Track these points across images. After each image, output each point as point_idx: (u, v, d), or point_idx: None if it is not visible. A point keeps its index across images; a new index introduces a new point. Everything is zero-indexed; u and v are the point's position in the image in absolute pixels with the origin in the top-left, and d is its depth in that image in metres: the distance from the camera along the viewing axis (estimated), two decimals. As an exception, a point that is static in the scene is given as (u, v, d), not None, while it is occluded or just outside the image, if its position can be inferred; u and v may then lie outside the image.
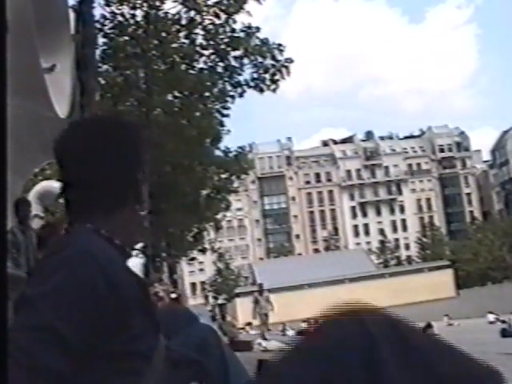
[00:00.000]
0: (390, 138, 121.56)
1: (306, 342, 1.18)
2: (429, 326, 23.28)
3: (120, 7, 12.90)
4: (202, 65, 13.91)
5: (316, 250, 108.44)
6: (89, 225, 1.39)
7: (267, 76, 13.35)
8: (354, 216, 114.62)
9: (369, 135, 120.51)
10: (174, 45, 13.72)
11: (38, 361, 1.16)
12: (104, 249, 1.35)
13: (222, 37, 13.25)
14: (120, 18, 12.96)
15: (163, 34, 13.36)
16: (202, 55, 13.67)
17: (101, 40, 12.36)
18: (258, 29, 13.36)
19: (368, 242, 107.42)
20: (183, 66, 14.07)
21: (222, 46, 13.32)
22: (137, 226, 1.48)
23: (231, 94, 14.25)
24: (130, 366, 1.31)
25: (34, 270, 1.39)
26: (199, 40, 13.47)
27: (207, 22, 13.13)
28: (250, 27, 13.26)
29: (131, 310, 1.31)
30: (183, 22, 13.25)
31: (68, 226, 1.44)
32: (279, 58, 13.35)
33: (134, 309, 1.32)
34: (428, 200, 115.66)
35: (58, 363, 1.18)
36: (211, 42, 13.32)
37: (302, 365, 1.09)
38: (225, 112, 15.78)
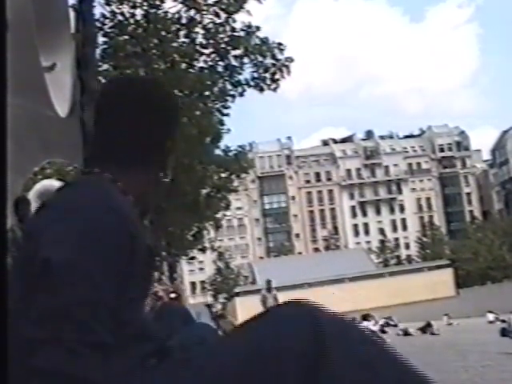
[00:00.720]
0: (390, 137, 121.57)
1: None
2: (428, 325, 23.29)
3: (120, 6, 12.88)
4: (202, 64, 13.90)
5: (316, 250, 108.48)
6: (107, 174, 1.41)
7: (267, 75, 13.34)
8: (354, 215, 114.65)
9: (369, 134, 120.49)
10: (174, 44, 13.71)
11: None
12: (118, 199, 1.36)
13: (222, 36, 13.23)
14: (120, 17, 12.94)
15: (163, 33, 13.33)
16: (202, 54, 13.66)
17: (101, 39, 12.35)
18: (258, 28, 13.35)
19: (368, 242, 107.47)
20: (183, 65, 14.06)
21: (222, 45, 13.30)
22: (153, 190, 1.51)
23: (231, 93, 14.24)
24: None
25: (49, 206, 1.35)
26: (199, 39, 13.45)
27: (207, 21, 13.11)
28: (250, 26, 13.24)
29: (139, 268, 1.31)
30: (183, 21, 13.23)
31: (87, 170, 1.46)
32: (279, 57, 13.34)
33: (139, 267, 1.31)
34: (428, 199, 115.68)
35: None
36: (211, 41, 13.31)
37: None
38: (225, 111, 15.78)
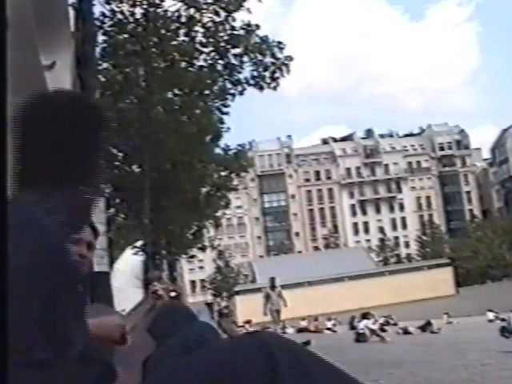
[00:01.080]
0: (390, 135, 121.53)
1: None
2: (428, 323, 23.32)
3: (120, 5, 12.88)
4: (201, 62, 13.89)
5: (316, 248, 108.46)
6: (30, 197, 1.34)
7: (267, 74, 13.34)
8: (354, 214, 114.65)
9: (369, 133, 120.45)
10: (174, 42, 13.70)
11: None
12: (40, 221, 1.28)
13: (221, 34, 13.23)
14: (120, 16, 12.94)
15: (163, 32, 13.33)
16: (201, 53, 13.65)
17: (100, 38, 12.34)
18: (257, 26, 13.34)
19: (368, 240, 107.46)
20: (183, 64, 14.06)
21: (222, 44, 13.30)
22: (79, 207, 1.41)
23: (231, 91, 14.24)
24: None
25: None
26: (199, 38, 13.45)
27: (207, 19, 13.11)
28: (249, 25, 13.23)
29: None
30: (183, 19, 13.22)
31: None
32: (279, 55, 13.33)
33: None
34: (428, 198, 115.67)
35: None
36: (211, 40, 13.30)
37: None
38: (225, 110, 15.78)
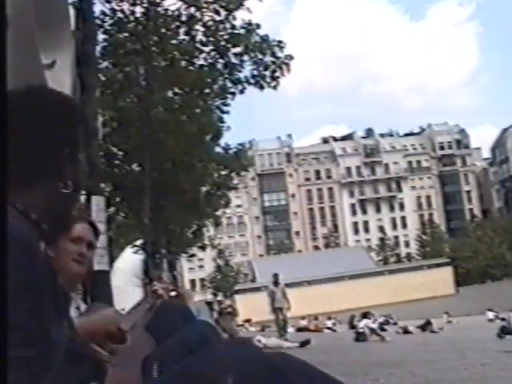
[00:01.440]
0: (390, 135, 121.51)
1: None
2: (428, 323, 23.33)
3: (120, 4, 12.87)
4: (202, 61, 13.88)
5: (316, 247, 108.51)
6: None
7: (267, 73, 13.32)
8: (354, 213, 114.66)
9: (369, 132, 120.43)
10: (174, 41, 13.70)
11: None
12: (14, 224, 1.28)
13: (222, 33, 13.21)
14: (120, 15, 12.93)
15: (163, 31, 13.32)
16: (202, 52, 13.64)
17: (101, 36, 12.33)
18: (258, 26, 13.32)
19: (368, 239, 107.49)
20: (183, 63, 14.05)
21: (222, 43, 13.28)
22: (55, 203, 1.37)
23: (231, 90, 14.22)
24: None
25: None
26: (199, 37, 13.43)
27: (207, 18, 13.09)
28: (250, 24, 13.22)
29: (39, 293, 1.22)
30: (183, 18, 13.21)
31: None
32: (279, 55, 13.32)
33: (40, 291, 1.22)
34: (428, 197, 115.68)
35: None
36: (211, 39, 13.28)
37: None
38: (225, 109, 15.79)
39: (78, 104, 1.49)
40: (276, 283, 16.90)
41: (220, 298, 79.92)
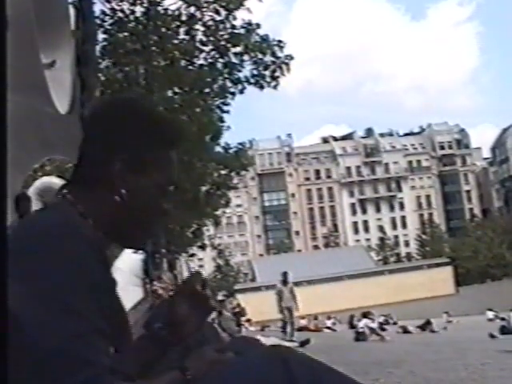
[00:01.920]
0: (390, 134, 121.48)
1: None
2: (428, 322, 23.34)
3: (120, 3, 12.86)
4: (202, 61, 13.86)
5: (315, 247, 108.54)
6: (69, 197, 1.37)
7: (267, 73, 13.32)
8: (354, 213, 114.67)
9: (369, 132, 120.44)
10: (174, 41, 13.68)
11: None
12: (73, 221, 1.31)
13: (222, 33, 13.21)
14: (120, 14, 12.92)
15: (163, 30, 13.31)
16: (202, 51, 13.63)
17: (101, 36, 12.31)
18: (258, 25, 13.31)
19: (367, 239, 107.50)
20: (183, 62, 14.04)
21: (222, 43, 13.27)
22: (113, 211, 1.38)
23: (231, 90, 14.21)
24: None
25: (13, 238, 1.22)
26: (199, 36, 13.42)
27: (207, 18, 13.09)
28: (250, 24, 13.21)
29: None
30: (183, 18, 13.20)
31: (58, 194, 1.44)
32: (279, 54, 13.31)
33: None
34: (428, 197, 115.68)
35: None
36: (211, 39, 13.28)
37: None
38: (225, 108, 15.77)
39: (158, 118, 1.49)
40: (285, 282, 16.29)
41: (220, 297, 79.98)
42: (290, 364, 1.25)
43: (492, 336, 14.97)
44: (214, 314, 12.35)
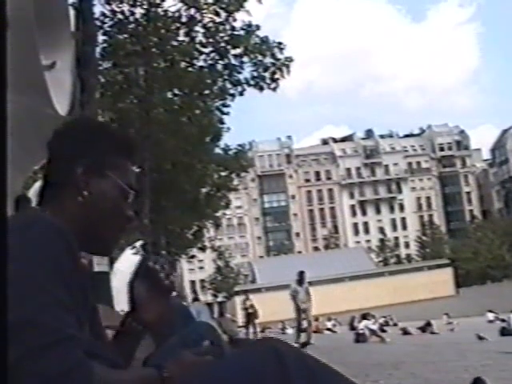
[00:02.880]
0: (390, 136, 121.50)
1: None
2: (428, 324, 23.32)
3: (120, 5, 12.88)
4: (201, 63, 13.89)
5: (316, 248, 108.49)
6: (35, 206, 1.48)
7: (267, 74, 13.33)
8: (354, 214, 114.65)
9: (369, 133, 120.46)
10: (174, 42, 13.70)
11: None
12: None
13: (222, 35, 13.23)
14: (120, 16, 12.94)
15: (163, 32, 13.32)
16: (201, 53, 13.65)
17: (101, 37, 12.33)
18: (258, 27, 13.33)
19: (368, 241, 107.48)
20: (183, 64, 14.05)
21: (222, 44, 13.29)
22: (72, 213, 1.46)
23: (231, 92, 14.22)
24: None
25: None
26: (199, 38, 13.45)
27: (207, 20, 13.11)
28: (250, 25, 13.23)
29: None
30: (183, 19, 13.22)
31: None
32: (279, 56, 13.33)
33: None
34: (428, 198, 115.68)
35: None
36: (211, 40, 13.30)
37: None
38: (225, 110, 15.77)
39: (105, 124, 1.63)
40: (300, 282, 15.51)
41: (221, 299, 79.92)
42: (285, 358, 1.27)
43: (480, 338, 14.88)
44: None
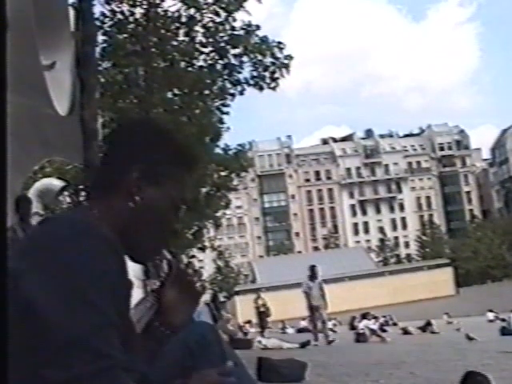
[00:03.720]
0: (390, 136, 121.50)
1: None
2: (428, 323, 23.32)
3: (120, 5, 12.86)
4: (201, 63, 13.87)
5: (316, 248, 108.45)
6: (85, 203, 1.48)
7: (267, 74, 13.32)
8: (354, 214, 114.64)
9: (368, 133, 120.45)
10: (174, 42, 13.69)
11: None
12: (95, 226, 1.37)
13: (221, 35, 13.22)
14: (120, 16, 12.92)
15: (163, 32, 13.32)
16: (201, 53, 13.64)
17: (100, 38, 12.32)
18: (257, 27, 13.33)
19: (368, 240, 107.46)
20: (183, 64, 14.04)
21: (222, 44, 13.29)
22: (121, 217, 1.45)
23: (231, 91, 14.21)
24: None
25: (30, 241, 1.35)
26: (199, 38, 13.43)
27: (207, 19, 13.10)
28: (249, 25, 13.23)
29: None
30: (183, 19, 13.21)
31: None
32: (279, 55, 13.32)
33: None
34: (428, 198, 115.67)
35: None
36: (211, 40, 13.29)
37: None
38: (225, 110, 15.75)
39: (167, 131, 1.59)
40: (312, 277, 14.67)
41: (222, 299, 79.90)
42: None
43: (469, 338, 14.82)
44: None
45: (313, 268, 14.85)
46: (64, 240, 1.27)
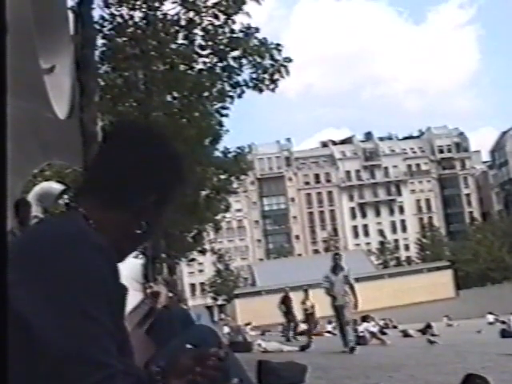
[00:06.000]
0: (390, 138, 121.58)
1: None
2: (428, 326, 23.32)
3: (119, 8, 12.88)
4: (200, 65, 13.88)
5: (315, 251, 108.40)
6: (81, 210, 1.41)
7: (266, 76, 13.32)
8: (354, 217, 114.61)
9: (368, 136, 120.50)
10: (173, 45, 13.71)
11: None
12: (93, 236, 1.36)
13: (220, 37, 13.23)
14: (119, 19, 12.94)
15: (162, 35, 13.33)
16: (200, 56, 13.64)
17: (100, 41, 12.33)
18: (256, 29, 13.34)
19: (367, 243, 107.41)
20: (182, 67, 14.05)
21: (221, 47, 13.29)
22: (125, 236, 1.45)
23: (230, 94, 14.23)
24: None
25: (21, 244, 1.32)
26: (198, 41, 13.44)
27: (206, 22, 13.11)
28: (248, 28, 13.24)
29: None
30: (182, 22, 13.22)
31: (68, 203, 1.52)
32: (278, 57, 13.33)
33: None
34: (427, 201, 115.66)
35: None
36: (210, 43, 13.30)
37: None
38: (224, 112, 15.79)
39: (183, 161, 1.64)
40: (335, 269, 12.13)
41: (221, 302, 79.86)
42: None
43: (430, 342, 14.85)
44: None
45: (336, 256, 12.42)
46: (56, 248, 1.26)
